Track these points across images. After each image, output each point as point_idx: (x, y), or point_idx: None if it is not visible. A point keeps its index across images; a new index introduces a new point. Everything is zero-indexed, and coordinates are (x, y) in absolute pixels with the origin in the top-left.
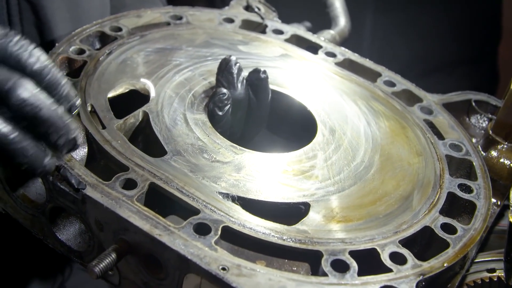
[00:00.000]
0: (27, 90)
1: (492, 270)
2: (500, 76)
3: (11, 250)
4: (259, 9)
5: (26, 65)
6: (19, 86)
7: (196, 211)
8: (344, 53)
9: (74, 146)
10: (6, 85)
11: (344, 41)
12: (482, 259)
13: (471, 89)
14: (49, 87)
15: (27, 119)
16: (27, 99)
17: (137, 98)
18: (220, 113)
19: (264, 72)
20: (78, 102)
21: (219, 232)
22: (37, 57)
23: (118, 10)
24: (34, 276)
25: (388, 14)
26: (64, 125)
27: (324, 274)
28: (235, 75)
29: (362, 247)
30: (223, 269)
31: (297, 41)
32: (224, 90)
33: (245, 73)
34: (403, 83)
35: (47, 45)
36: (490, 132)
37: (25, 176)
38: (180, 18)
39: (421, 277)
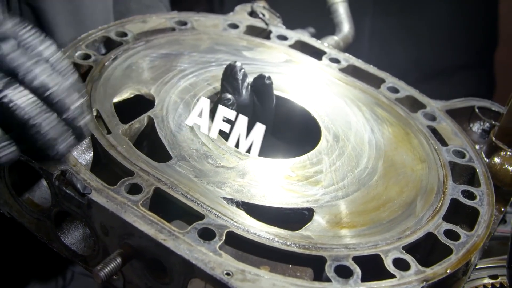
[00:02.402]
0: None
1: (495, 277)
2: (497, 82)
3: (13, 254)
4: (263, 15)
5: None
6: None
7: (200, 216)
8: (348, 59)
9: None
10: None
11: (348, 47)
12: (485, 265)
13: (468, 95)
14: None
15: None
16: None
17: (142, 103)
18: None
19: (269, 78)
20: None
21: (224, 237)
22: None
23: (123, 15)
24: (35, 280)
25: (386, 20)
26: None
27: (328, 280)
28: (240, 81)
29: (365, 252)
30: (228, 274)
31: (301, 47)
32: (229, 96)
33: (249, 79)
34: (406, 89)
35: None
36: (493, 138)
37: (30, 180)
38: (185, 23)
39: (424, 283)
